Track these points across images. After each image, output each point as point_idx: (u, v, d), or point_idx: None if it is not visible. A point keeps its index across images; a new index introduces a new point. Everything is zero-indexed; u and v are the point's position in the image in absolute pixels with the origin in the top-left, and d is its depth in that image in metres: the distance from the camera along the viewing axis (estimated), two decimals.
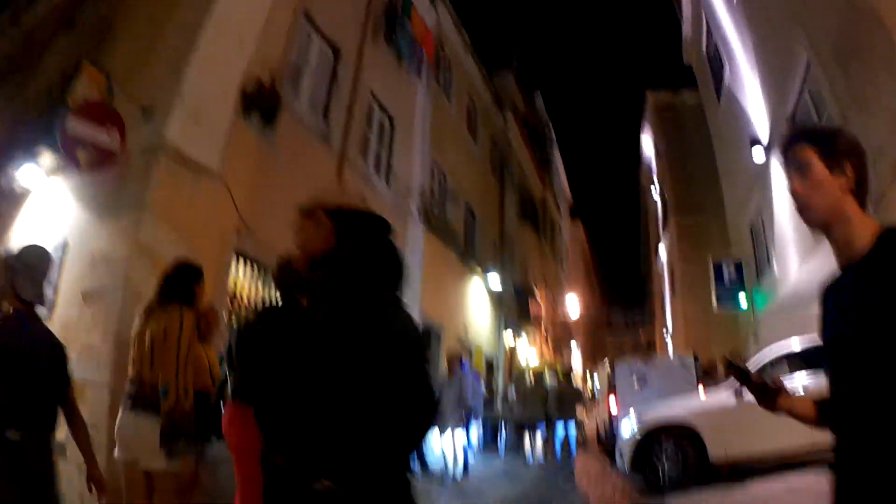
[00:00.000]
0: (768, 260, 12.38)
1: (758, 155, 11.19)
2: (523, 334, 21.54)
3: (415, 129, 12.93)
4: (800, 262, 9.83)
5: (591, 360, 47.21)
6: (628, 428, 8.51)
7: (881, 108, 4.02)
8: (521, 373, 18.18)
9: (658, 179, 29.48)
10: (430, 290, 12.61)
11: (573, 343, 38.51)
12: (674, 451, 7.72)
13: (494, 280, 16.69)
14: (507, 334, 19.02)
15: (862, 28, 4.17)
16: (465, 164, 16.47)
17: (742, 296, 13.86)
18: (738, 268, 14.24)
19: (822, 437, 4.56)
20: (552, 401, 13.11)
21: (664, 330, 29.70)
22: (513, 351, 20.10)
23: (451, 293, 14.27)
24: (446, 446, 9.67)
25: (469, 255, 15.25)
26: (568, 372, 14.80)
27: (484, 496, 8.61)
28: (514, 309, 19.86)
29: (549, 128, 34.01)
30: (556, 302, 29.26)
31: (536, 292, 22.92)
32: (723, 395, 7.77)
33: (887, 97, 3.90)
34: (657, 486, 7.80)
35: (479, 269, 15.98)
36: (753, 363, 8.18)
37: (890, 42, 3.76)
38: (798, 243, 9.86)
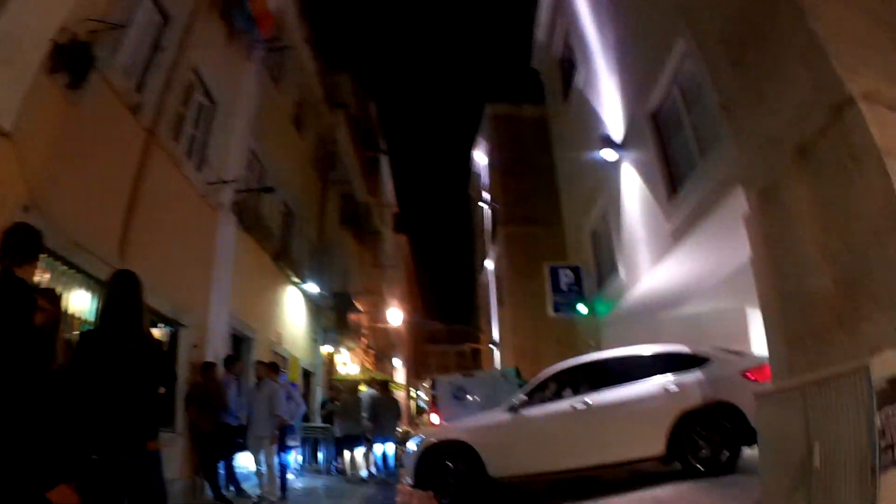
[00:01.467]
0: (613, 264, 12.44)
1: (609, 154, 11.39)
2: (343, 345, 20.88)
3: (237, 116, 11.92)
4: (651, 265, 10.02)
5: (414, 375, 47.53)
6: (412, 444, 8.56)
7: (779, 97, 4.00)
8: (341, 385, 17.53)
9: (489, 191, 30.04)
10: (240, 291, 11.67)
11: (396, 357, 38.45)
12: (453, 468, 7.80)
13: (312, 287, 15.90)
14: (326, 344, 18.26)
15: (764, 12, 4.13)
16: (287, 160, 15.64)
17: (580, 303, 13.78)
18: (577, 273, 14.28)
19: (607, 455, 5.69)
20: (369, 415, 12.54)
21: (490, 343, 30.25)
22: (332, 361, 19.35)
23: (264, 297, 13.41)
24: (261, 463, 8.81)
25: (285, 257, 14.38)
26: (385, 383, 14.00)
27: None
28: (333, 317, 19.17)
29: (380, 136, 33.88)
30: (377, 312, 28.88)
31: (356, 302, 22.39)
32: (499, 412, 8.03)
33: (789, 85, 3.88)
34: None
35: (295, 273, 15.11)
36: (532, 380, 8.49)
37: (800, 24, 3.70)
38: (650, 245, 10.05)
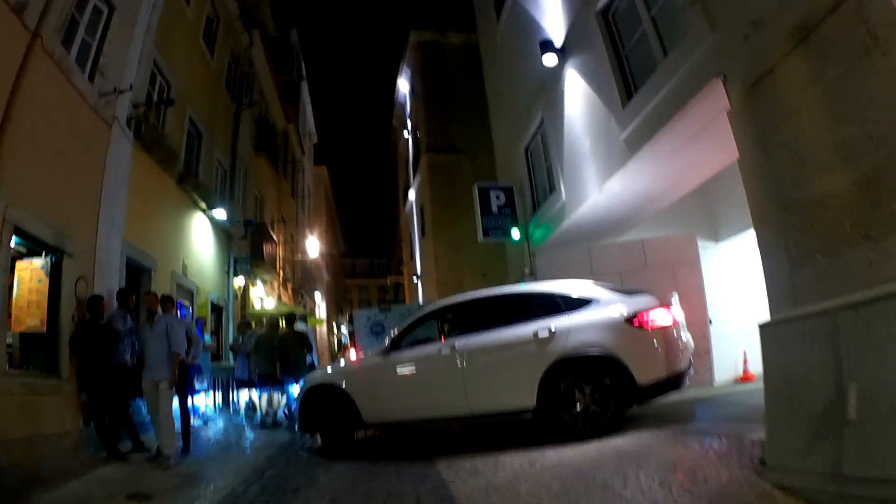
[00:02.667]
0: (552, 184, 11.74)
1: (549, 60, 10.48)
2: (259, 277, 19.89)
3: (137, 23, 10.55)
4: (600, 181, 9.30)
5: (336, 310, 46.93)
6: (297, 388, 8.34)
7: None
8: (254, 320, 16.68)
9: (412, 120, 29.24)
10: (138, 216, 10.60)
11: (316, 291, 37.64)
12: (328, 412, 7.66)
13: (221, 213, 14.78)
14: (239, 276, 17.25)
15: None
16: (195, 76, 14.28)
17: (513, 228, 13.03)
18: (509, 194, 13.37)
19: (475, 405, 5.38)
20: (277, 353, 11.48)
21: (413, 275, 29.80)
22: (246, 295, 18.38)
23: (166, 223, 12.26)
24: (158, 411, 7.88)
25: (191, 181, 13.21)
26: (291, 317, 12.61)
27: (208, 479, 6.73)
28: (246, 247, 18.12)
29: (299, 62, 32.20)
30: (295, 244, 27.83)
31: (272, 232, 21.33)
32: (374, 354, 7.85)
33: None
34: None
35: (202, 199, 13.96)
36: (407, 321, 8.01)
37: None
38: (598, 159, 9.30)
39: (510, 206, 13.35)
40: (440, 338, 7.48)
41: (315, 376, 8.50)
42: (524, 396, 6.40)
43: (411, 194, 29.77)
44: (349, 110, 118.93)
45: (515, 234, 13.12)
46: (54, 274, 8.13)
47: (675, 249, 9.91)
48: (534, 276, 11.40)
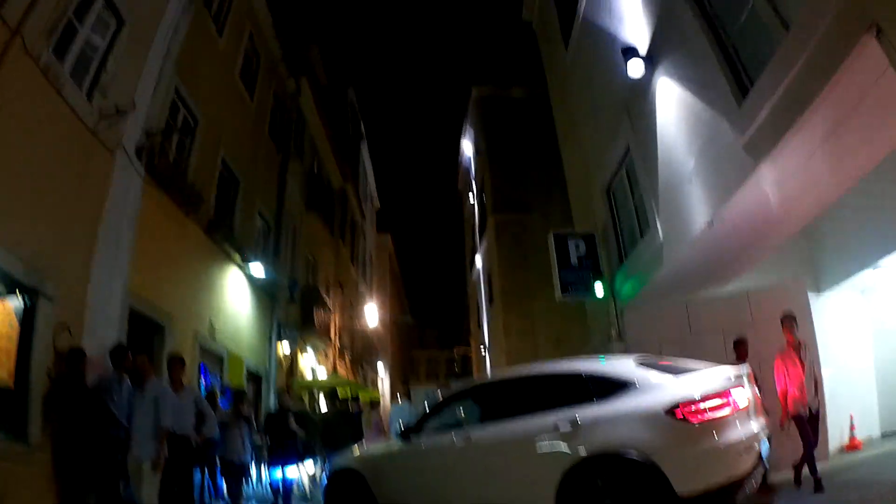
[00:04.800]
0: (641, 225, 9.79)
1: (635, 68, 8.64)
2: (309, 344, 18.22)
3: (153, 43, 9.43)
4: (712, 207, 7.27)
5: (401, 382, 45.05)
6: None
7: None
8: (303, 391, 14.93)
9: (476, 182, 28.30)
10: (151, 264, 9.10)
11: (380, 362, 35.96)
12: (348, 498, 7.15)
13: (258, 269, 13.20)
14: (284, 343, 15.55)
15: None
16: (230, 115, 13.02)
17: (596, 282, 10.98)
18: (590, 242, 11.31)
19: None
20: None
21: (481, 345, 27.90)
22: (294, 363, 16.66)
23: (188, 275, 10.62)
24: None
25: (222, 230, 11.71)
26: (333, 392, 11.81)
27: None
28: (296, 312, 16.52)
29: (357, 120, 31.68)
30: (354, 312, 26.23)
31: (327, 298, 19.77)
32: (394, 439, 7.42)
33: None
34: None
35: (235, 251, 12.43)
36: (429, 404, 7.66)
37: None
38: (709, 178, 7.30)
39: (592, 257, 11.30)
40: (463, 425, 6.47)
41: (340, 458, 7.98)
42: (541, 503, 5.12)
43: (478, 260, 28.38)
44: (412, 176, 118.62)
45: (599, 289, 11.00)
46: (27, 319, 6.56)
47: (782, 301, 8.29)
48: (622, 341, 9.75)
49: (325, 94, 22.92)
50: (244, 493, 9.03)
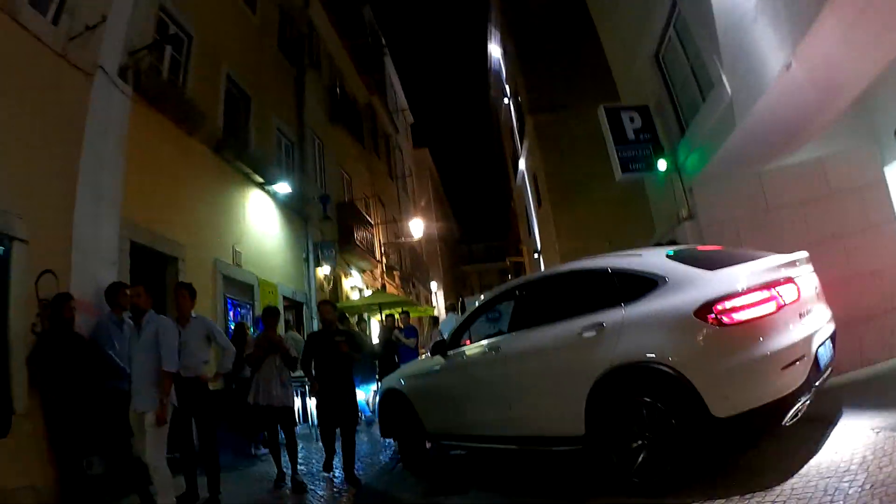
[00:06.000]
0: (702, 87, 8.42)
1: None
2: (353, 265, 17.41)
3: None
4: (790, 43, 5.58)
5: (455, 297, 44.68)
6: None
7: None
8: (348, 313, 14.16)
9: (509, 85, 26.57)
10: (152, 191, 8.20)
11: (433, 281, 35.46)
12: (398, 419, 6.91)
13: (284, 187, 12.18)
14: (324, 267, 14.69)
15: None
16: (230, 31, 11.81)
17: (659, 158, 9.61)
18: (645, 115, 9.87)
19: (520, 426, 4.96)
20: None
21: (534, 252, 26.87)
22: (336, 287, 15.87)
23: (199, 200, 9.62)
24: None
25: (235, 149, 10.66)
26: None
27: None
28: (332, 231, 15.60)
29: (376, 34, 30.05)
30: (399, 228, 25.31)
31: (367, 214, 18.81)
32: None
33: None
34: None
35: (255, 171, 11.40)
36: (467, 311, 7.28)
37: None
38: (781, 9, 5.62)
39: (649, 130, 9.84)
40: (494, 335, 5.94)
41: (389, 378, 7.70)
42: (570, 421, 4.58)
43: (521, 164, 27.01)
44: (444, 89, 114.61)
45: (662, 164, 9.62)
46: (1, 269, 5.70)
47: (857, 170, 7.74)
48: (693, 220, 8.50)
49: (338, 10, 21.38)
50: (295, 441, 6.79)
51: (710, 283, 4.14)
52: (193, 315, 6.07)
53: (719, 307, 3.90)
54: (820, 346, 4.15)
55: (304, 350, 7.09)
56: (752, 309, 3.89)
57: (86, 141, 7.13)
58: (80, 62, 7.24)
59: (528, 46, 22.64)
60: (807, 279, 4.51)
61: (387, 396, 7.21)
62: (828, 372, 4.29)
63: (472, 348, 6.00)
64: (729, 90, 7.28)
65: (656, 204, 11.29)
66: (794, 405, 3.87)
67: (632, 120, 9.77)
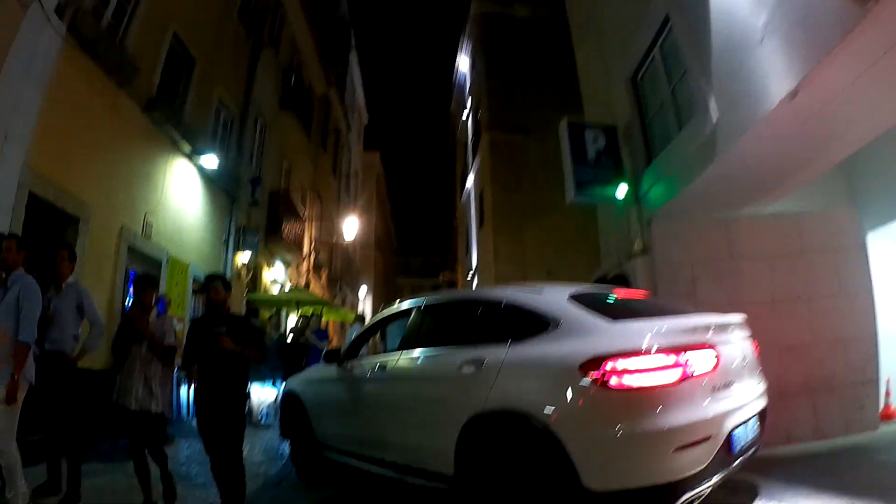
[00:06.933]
0: (679, 116, 8.11)
1: None
2: (278, 256, 16.78)
3: None
4: (798, 70, 5.14)
5: (384, 308, 44.11)
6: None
7: None
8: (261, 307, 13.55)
9: (472, 98, 26.53)
10: (65, 140, 7.57)
11: (363, 287, 34.88)
12: (293, 422, 6.68)
13: (211, 161, 11.58)
14: (246, 253, 14.04)
15: None
16: None
17: (619, 182, 9.28)
18: (611, 136, 9.51)
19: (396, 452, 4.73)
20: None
21: (468, 271, 26.67)
22: (256, 276, 15.23)
23: (116, 161, 8.93)
24: None
25: (162, 109, 9.99)
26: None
27: None
28: (259, 218, 14.98)
29: (348, 31, 29.61)
30: (333, 227, 24.72)
31: (301, 207, 18.23)
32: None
33: None
34: None
35: (183, 137, 10.74)
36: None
37: None
38: (792, 33, 5.16)
39: (612, 153, 9.52)
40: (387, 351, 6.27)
41: (290, 379, 7.45)
42: (441, 457, 4.25)
43: (469, 181, 26.85)
44: (404, 96, 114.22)
45: (622, 191, 9.33)
46: None
47: (835, 231, 7.36)
48: (646, 255, 7.99)
49: None
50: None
51: (607, 335, 3.70)
52: (70, 281, 5.48)
53: (608, 366, 3.42)
54: (738, 426, 3.73)
55: (186, 341, 5.29)
56: (648, 374, 3.41)
57: (3, 72, 6.57)
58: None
59: (498, 63, 22.73)
60: (734, 347, 4.05)
61: (286, 399, 6.97)
62: (746, 454, 3.88)
63: (364, 362, 5.73)
64: (714, 118, 7.00)
65: (607, 236, 11.03)
66: (688, 492, 3.40)
67: (595, 140, 9.46)
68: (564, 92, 13.36)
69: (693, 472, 3.39)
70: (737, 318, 4.33)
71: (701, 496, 3.52)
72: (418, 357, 4.89)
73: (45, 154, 7.11)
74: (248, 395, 6.71)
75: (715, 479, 3.56)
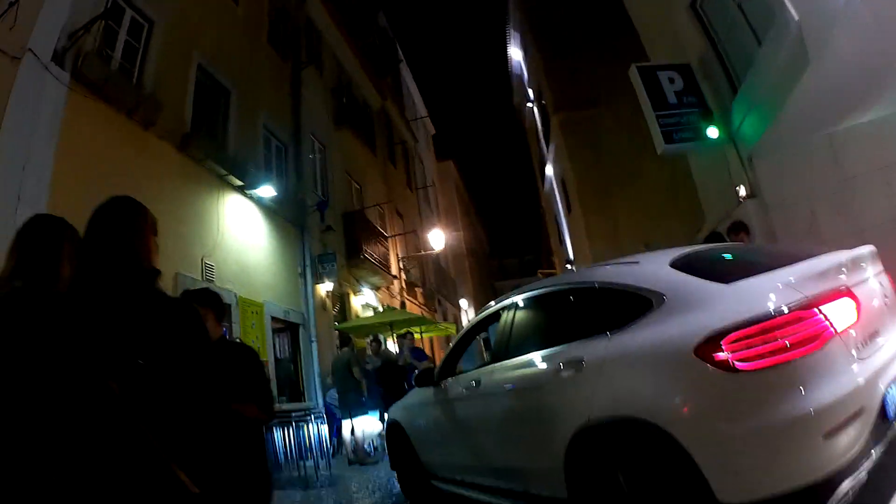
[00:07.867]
0: (753, 28, 7.08)
1: None
2: (363, 281, 16.00)
3: None
4: None
5: None
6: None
7: None
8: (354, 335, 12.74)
9: (533, 86, 25.50)
10: (91, 194, 6.86)
11: (462, 299, 34.05)
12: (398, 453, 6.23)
13: (268, 191, 10.85)
14: (326, 283, 13.25)
15: None
16: (205, 18, 10.61)
17: (708, 124, 8.21)
18: (687, 74, 8.43)
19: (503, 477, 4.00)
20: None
21: (566, 263, 25.37)
22: (344, 306, 14.46)
23: (155, 204, 8.23)
24: None
25: (201, 144, 9.33)
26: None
27: None
28: (336, 243, 14.21)
29: (394, 45, 29.24)
30: (421, 243, 23.91)
31: (380, 226, 17.45)
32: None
33: None
34: None
35: (232, 172, 10.03)
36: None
37: None
38: None
39: (693, 91, 8.42)
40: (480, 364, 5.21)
41: (393, 407, 6.89)
42: (552, 480, 3.46)
43: (548, 169, 25.62)
44: (465, 102, 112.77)
45: (713, 132, 8.18)
46: None
47: None
48: (757, 199, 7.11)
49: (348, 12, 20.32)
50: None
51: (721, 302, 2.86)
52: None
53: (729, 343, 2.63)
54: (892, 383, 2.76)
55: None
56: (781, 344, 2.56)
57: (3, 130, 6.05)
58: (8, 48, 6.34)
59: (550, 42, 21.59)
60: (872, 287, 3.15)
61: (390, 428, 6.58)
62: None
63: (459, 379, 5.09)
64: (796, 18, 5.74)
65: (705, 185, 9.76)
66: (842, 484, 2.52)
67: (671, 81, 8.34)
68: (623, 50, 12.06)
69: (845, 460, 2.54)
70: (866, 250, 3.41)
71: (860, 483, 2.59)
72: (510, 366, 4.21)
73: (65, 212, 6.45)
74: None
75: (873, 456, 2.66)
